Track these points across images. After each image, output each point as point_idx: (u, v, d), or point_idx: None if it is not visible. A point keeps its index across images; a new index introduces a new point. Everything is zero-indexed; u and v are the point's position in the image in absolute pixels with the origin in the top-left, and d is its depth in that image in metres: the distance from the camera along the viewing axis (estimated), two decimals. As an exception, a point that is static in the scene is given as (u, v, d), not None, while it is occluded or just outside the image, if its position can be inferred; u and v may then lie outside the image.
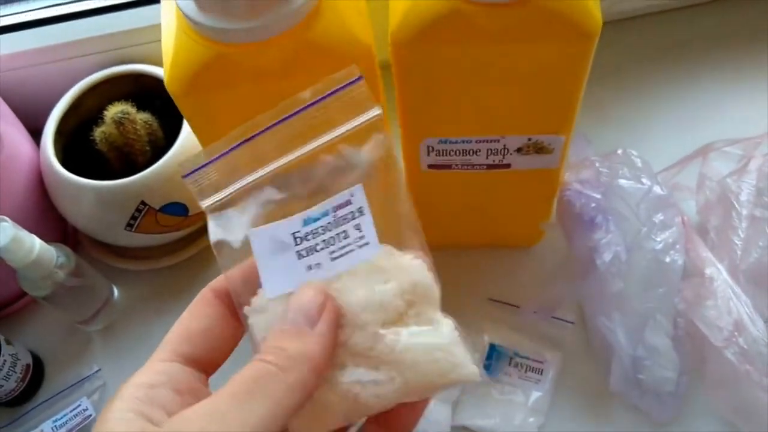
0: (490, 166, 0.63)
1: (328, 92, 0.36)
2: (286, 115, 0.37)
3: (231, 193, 0.37)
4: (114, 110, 0.74)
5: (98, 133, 0.75)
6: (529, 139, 0.60)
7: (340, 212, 0.36)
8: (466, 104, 0.57)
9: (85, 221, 0.76)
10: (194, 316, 0.37)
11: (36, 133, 0.79)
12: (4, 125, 0.73)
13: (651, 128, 0.85)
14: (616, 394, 0.69)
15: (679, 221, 0.70)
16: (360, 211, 0.36)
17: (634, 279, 0.68)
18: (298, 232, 0.36)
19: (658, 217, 0.69)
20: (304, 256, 0.36)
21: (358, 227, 0.36)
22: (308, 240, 0.36)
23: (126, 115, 0.73)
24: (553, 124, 0.59)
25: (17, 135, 0.77)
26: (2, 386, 0.71)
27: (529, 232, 0.77)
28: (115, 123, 0.73)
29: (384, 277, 0.35)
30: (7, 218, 0.64)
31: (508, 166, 0.63)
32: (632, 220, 0.69)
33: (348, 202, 0.36)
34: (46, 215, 0.78)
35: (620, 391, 0.68)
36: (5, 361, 0.70)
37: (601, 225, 0.68)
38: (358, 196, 0.36)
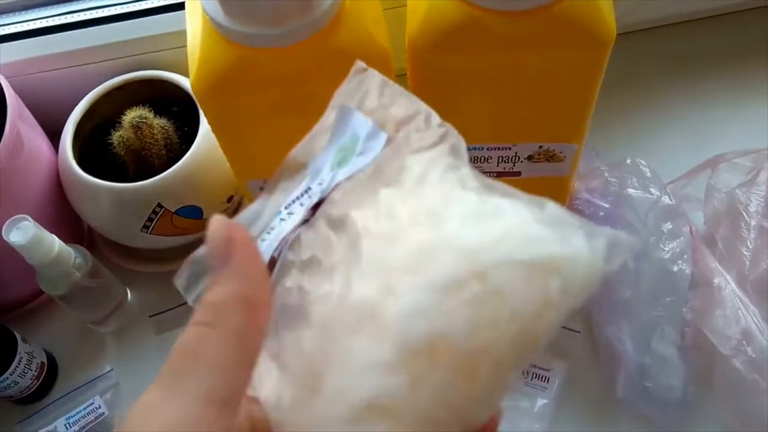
0: (500, 174, 0.64)
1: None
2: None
3: None
4: (132, 115, 0.75)
5: (116, 137, 0.76)
6: (541, 147, 0.61)
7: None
8: (480, 111, 0.58)
9: (103, 222, 0.78)
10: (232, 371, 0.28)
11: (54, 136, 0.80)
12: (25, 127, 0.75)
13: (660, 140, 0.86)
14: (623, 402, 0.69)
15: (687, 231, 0.71)
16: None
17: (642, 288, 0.68)
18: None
19: (667, 227, 0.70)
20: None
21: None
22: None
23: (144, 120, 0.74)
24: (565, 132, 0.60)
25: (36, 137, 0.78)
26: (18, 383, 0.71)
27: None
28: (132, 127, 0.74)
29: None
30: (29, 217, 0.65)
31: (518, 173, 0.64)
32: (640, 230, 0.70)
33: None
34: (63, 217, 0.79)
35: (627, 399, 0.69)
36: (21, 358, 0.71)
37: (609, 234, 0.68)
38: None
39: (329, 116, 0.37)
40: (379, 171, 0.34)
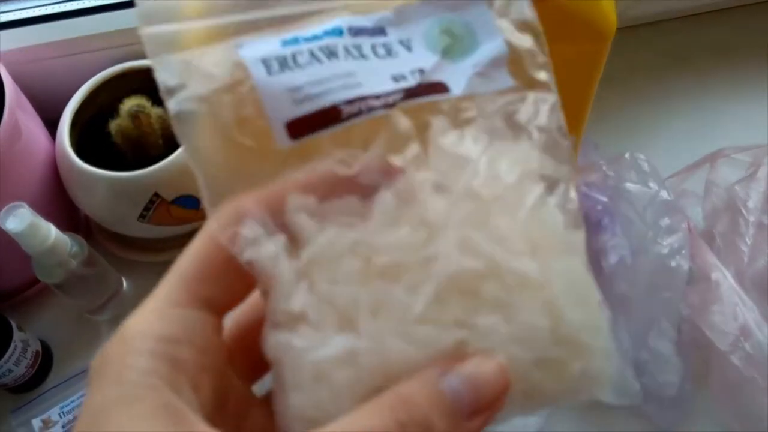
0: (499, 166, 0.64)
1: None
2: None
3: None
4: (130, 104, 0.75)
5: (114, 125, 0.76)
6: (540, 140, 0.61)
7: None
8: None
9: (99, 211, 0.77)
10: (210, 250, 0.29)
11: (52, 125, 0.80)
12: (23, 116, 0.74)
13: (659, 135, 0.86)
14: (619, 398, 0.69)
15: (685, 227, 0.70)
16: None
17: (639, 283, 0.68)
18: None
19: (665, 222, 0.69)
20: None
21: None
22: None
23: (141, 109, 0.74)
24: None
25: (34, 126, 0.78)
26: (12, 371, 0.71)
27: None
28: (130, 116, 0.74)
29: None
30: (25, 204, 0.65)
31: (517, 166, 0.64)
32: (638, 224, 0.69)
33: None
34: (60, 205, 0.79)
35: (623, 394, 0.69)
36: (16, 347, 0.70)
37: (607, 227, 0.68)
38: None
39: None
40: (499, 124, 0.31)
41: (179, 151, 0.73)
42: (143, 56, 0.84)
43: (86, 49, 0.84)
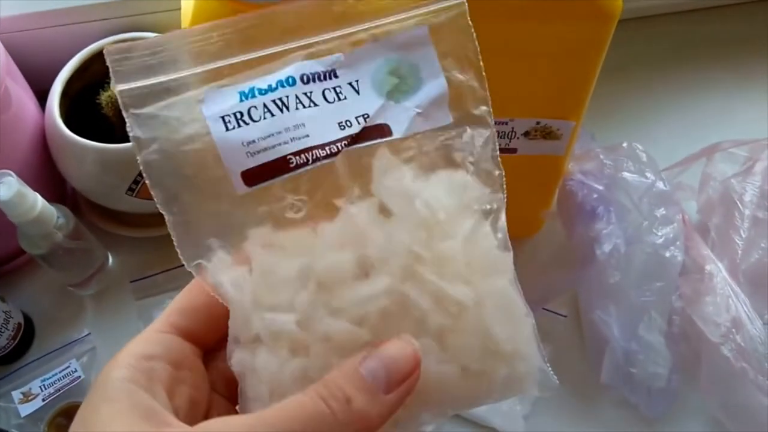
0: (495, 150, 0.63)
1: None
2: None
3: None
4: (122, 75, 0.74)
5: (104, 97, 0.75)
6: (538, 123, 0.60)
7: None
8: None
9: (87, 184, 0.76)
10: (194, 292, 0.36)
11: (42, 97, 0.78)
12: (13, 84, 0.73)
13: (657, 126, 0.86)
14: (607, 388, 0.69)
15: (680, 218, 0.70)
16: None
17: (632, 272, 0.68)
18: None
19: (660, 212, 0.69)
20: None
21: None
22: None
23: (133, 81, 0.73)
24: (563, 108, 0.59)
25: (24, 95, 0.76)
26: (-7, 343, 0.70)
27: (528, 221, 0.77)
28: (122, 88, 0.73)
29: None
30: (12, 173, 0.63)
31: (514, 150, 0.63)
32: (634, 213, 0.69)
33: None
34: (47, 176, 0.77)
35: (611, 384, 0.68)
36: (-2, 317, 0.69)
37: (602, 216, 0.68)
38: None
39: (403, 24, 0.35)
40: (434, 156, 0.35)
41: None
42: (137, 29, 0.83)
43: (80, 20, 0.82)
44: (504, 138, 0.62)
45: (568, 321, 0.73)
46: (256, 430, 0.29)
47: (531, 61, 0.54)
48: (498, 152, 0.36)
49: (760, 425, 0.62)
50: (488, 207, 0.35)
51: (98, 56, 0.79)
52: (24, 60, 0.79)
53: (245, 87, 0.34)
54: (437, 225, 0.33)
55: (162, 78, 0.33)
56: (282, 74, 0.34)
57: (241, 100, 0.34)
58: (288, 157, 0.33)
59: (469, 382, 0.33)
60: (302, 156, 0.33)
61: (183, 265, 0.34)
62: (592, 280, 0.67)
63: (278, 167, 0.33)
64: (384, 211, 0.34)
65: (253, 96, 0.34)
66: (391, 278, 0.32)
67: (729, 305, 0.64)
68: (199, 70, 0.34)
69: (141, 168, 0.33)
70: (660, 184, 0.70)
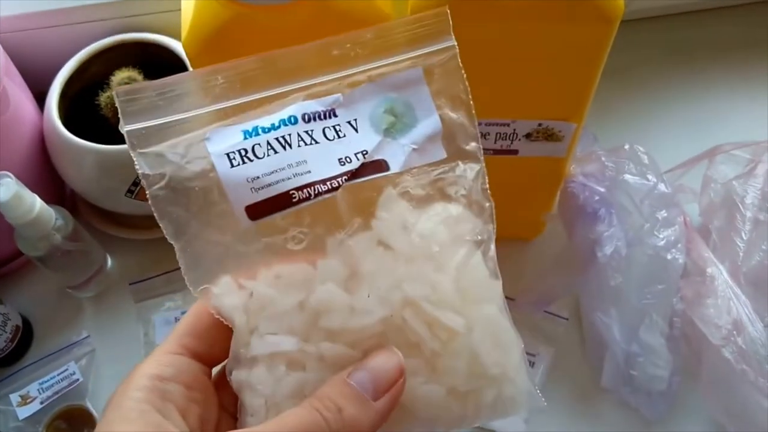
0: (496, 152, 0.63)
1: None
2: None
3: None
4: (120, 76, 0.74)
5: (104, 98, 0.75)
6: (540, 125, 0.60)
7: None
8: (480, 83, 0.56)
9: (86, 186, 0.76)
10: (201, 313, 0.38)
11: (39, 98, 0.78)
12: (11, 85, 0.73)
13: (659, 128, 0.85)
14: (607, 390, 0.69)
15: (681, 221, 0.70)
16: None
17: (633, 274, 0.67)
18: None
19: (662, 214, 0.69)
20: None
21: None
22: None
23: (132, 82, 0.73)
24: (565, 110, 0.59)
25: (23, 96, 0.76)
26: (-9, 345, 0.70)
27: (530, 224, 0.77)
28: (121, 88, 0.73)
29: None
30: (11, 174, 0.63)
31: (515, 152, 0.63)
32: (635, 216, 0.69)
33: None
34: (46, 178, 0.77)
35: (612, 386, 0.68)
36: (-4, 320, 0.69)
37: (603, 218, 0.67)
38: None
39: (398, 66, 0.37)
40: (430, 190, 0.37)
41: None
42: (137, 29, 0.83)
43: (79, 20, 0.82)
44: (505, 140, 0.62)
45: (569, 323, 0.73)
46: None
47: (533, 62, 0.54)
48: (488, 186, 0.38)
49: (760, 427, 0.62)
50: (479, 238, 0.37)
51: (97, 57, 0.78)
52: (23, 60, 0.79)
53: (249, 126, 0.36)
54: (431, 256, 0.36)
55: (169, 118, 0.35)
56: (284, 113, 0.36)
57: (245, 138, 0.36)
58: (291, 192, 0.35)
59: (457, 402, 0.36)
60: (304, 191, 0.35)
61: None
62: (593, 282, 0.67)
63: (281, 202, 0.35)
64: (382, 243, 0.36)
65: (257, 134, 0.36)
66: (386, 308, 0.34)
67: (730, 308, 0.64)
68: (205, 110, 0.36)
69: (149, 201, 0.35)
70: (662, 186, 0.70)
